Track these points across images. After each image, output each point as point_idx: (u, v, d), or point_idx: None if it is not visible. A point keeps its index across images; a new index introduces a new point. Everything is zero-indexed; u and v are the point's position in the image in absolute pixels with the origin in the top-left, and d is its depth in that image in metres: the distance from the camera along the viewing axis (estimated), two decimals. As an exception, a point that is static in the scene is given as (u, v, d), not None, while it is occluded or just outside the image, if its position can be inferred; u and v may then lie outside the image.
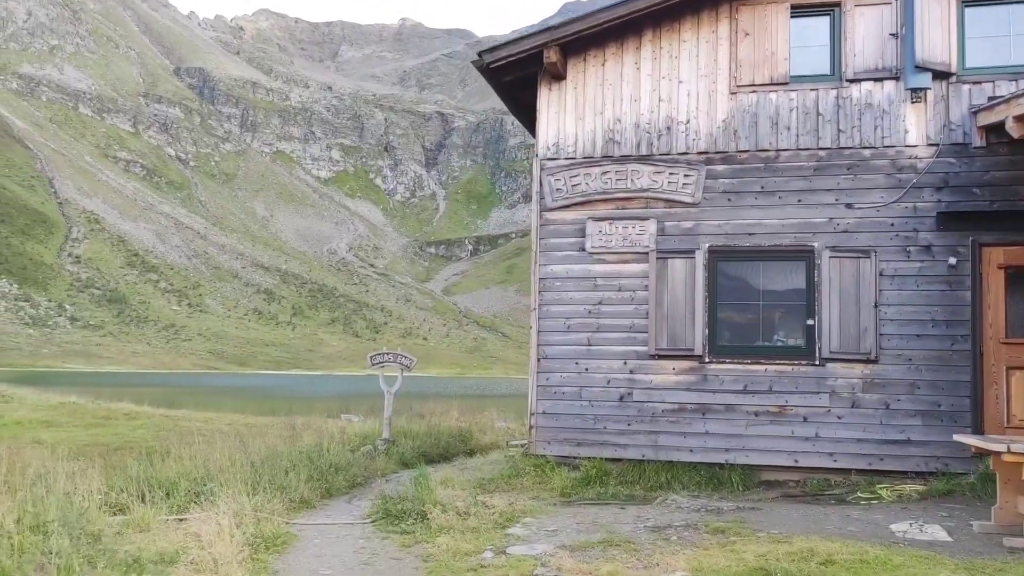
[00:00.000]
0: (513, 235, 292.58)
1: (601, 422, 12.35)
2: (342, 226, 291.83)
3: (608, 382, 12.39)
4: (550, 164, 12.99)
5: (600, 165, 12.73)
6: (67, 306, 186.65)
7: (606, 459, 12.15)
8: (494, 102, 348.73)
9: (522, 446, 14.71)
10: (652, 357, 12.28)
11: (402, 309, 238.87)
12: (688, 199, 12.35)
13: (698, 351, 12.10)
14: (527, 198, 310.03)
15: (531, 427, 12.77)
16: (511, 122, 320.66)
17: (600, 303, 12.55)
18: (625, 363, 12.37)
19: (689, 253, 12.25)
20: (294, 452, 13.09)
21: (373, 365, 17.77)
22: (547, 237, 12.93)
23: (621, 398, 12.33)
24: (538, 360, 12.74)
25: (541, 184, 13.00)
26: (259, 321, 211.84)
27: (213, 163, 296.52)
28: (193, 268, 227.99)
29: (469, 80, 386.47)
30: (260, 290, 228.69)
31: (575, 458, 12.36)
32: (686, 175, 12.39)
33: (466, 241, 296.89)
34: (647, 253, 12.42)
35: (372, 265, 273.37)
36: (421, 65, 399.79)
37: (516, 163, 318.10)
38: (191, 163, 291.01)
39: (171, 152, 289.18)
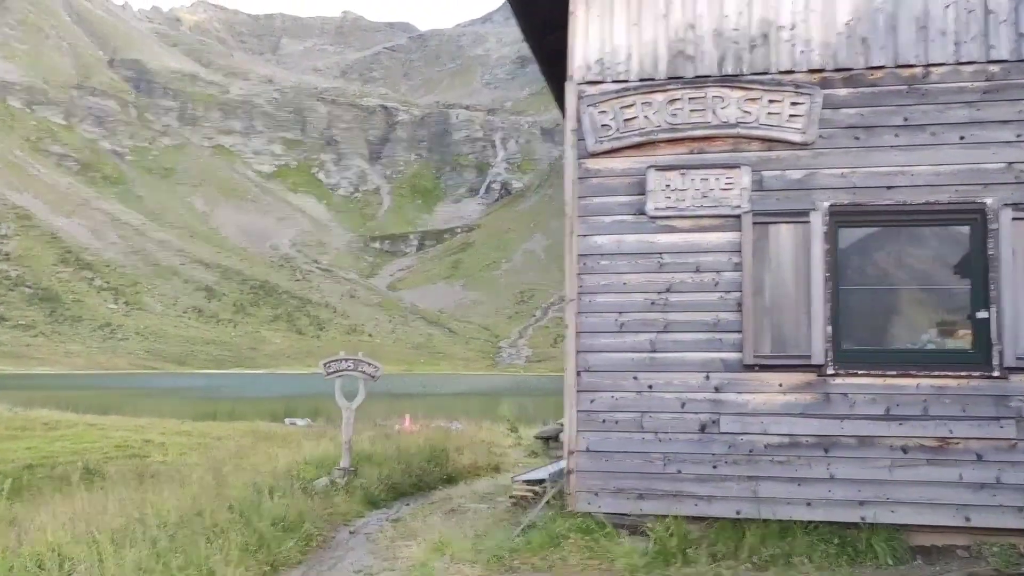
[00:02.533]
0: (459, 230, 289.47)
1: (674, 463, 8.63)
2: (285, 221, 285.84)
3: (683, 405, 8.67)
4: (591, 91, 9.16)
5: (666, 90, 8.88)
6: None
7: (683, 517, 8.36)
8: (439, 95, 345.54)
9: (535, 484, 11.01)
10: (748, 368, 8.54)
11: (347, 305, 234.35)
12: (796, 137, 8.57)
13: (817, 359, 8.31)
14: (473, 192, 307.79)
15: (569, 471, 8.93)
16: (455, 116, 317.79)
17: (668, 290, 8.81)
18: (707, 377, 8.65)
19: (800, 216, 8.45)
20: (221, 506, 9.18)
21: (329, 375, 14.18)
22: (589, 195, 9.13)
23: (703, 428, 8.61)
24: (578, 374, 8.98)
25: (579, 120, 9.15)
26: (199, 319, 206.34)
27: (151, 157, 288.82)
28: (130, 265, 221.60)
29: (413, 73, 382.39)
30: (200, 287, 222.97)
31: (638, 516, 8.57)
32: (793, 103, 8.60)
33: (411, 236, 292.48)
34: (738, 216, 8.68)
35: (316, 261, 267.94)
36: (363, 58, 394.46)
37: (461, 157, 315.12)
38: (128, 157, 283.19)
39: (107, 146, 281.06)
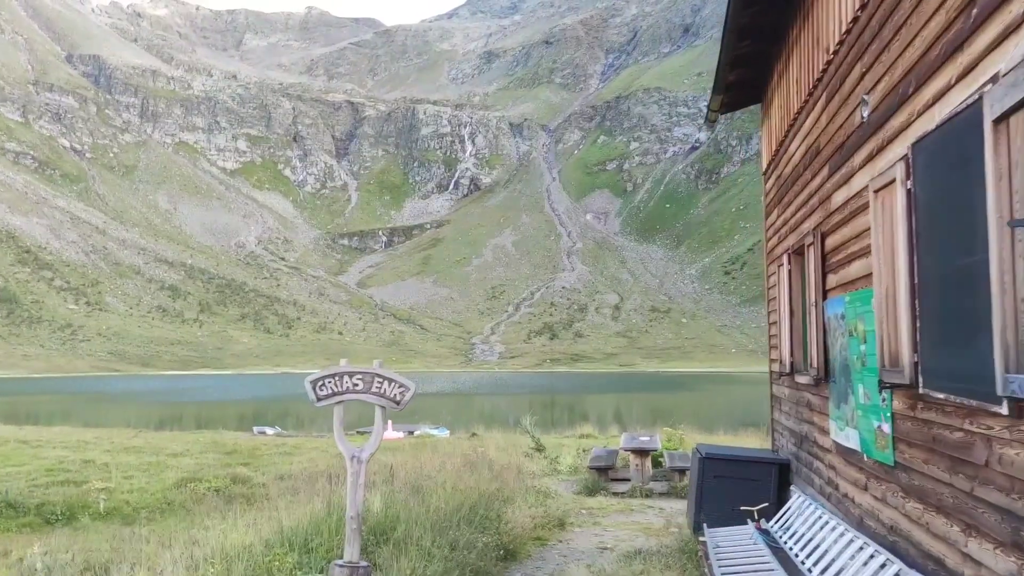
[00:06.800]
0: (428, 226, 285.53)
1: None
2: (250, 219, 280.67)
3: None
4: None
5: None
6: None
7: None
8: (405, 91, 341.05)
9: None
10: None
11: (315, 303, 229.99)
12: None
13: None
14: (442, 187, 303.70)
15: None
16: (422, 111, 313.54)
17: None
18: None
19: None
20: None
21: (322, 399, 7.67)
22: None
23: None
24: None
25: None
26: (164, 319, 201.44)
27: (112, 154, 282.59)
28: (91, 264, 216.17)
29: (378, 69, 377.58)
30: (164, 286, 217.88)
31: None
32: None
33: (380, 233, 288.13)
34: None
35: (283, 258, 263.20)
36: (329, 54, 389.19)
37: (429, 152, 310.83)
38: (88, 155, 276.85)
39: (65, 143, 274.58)
